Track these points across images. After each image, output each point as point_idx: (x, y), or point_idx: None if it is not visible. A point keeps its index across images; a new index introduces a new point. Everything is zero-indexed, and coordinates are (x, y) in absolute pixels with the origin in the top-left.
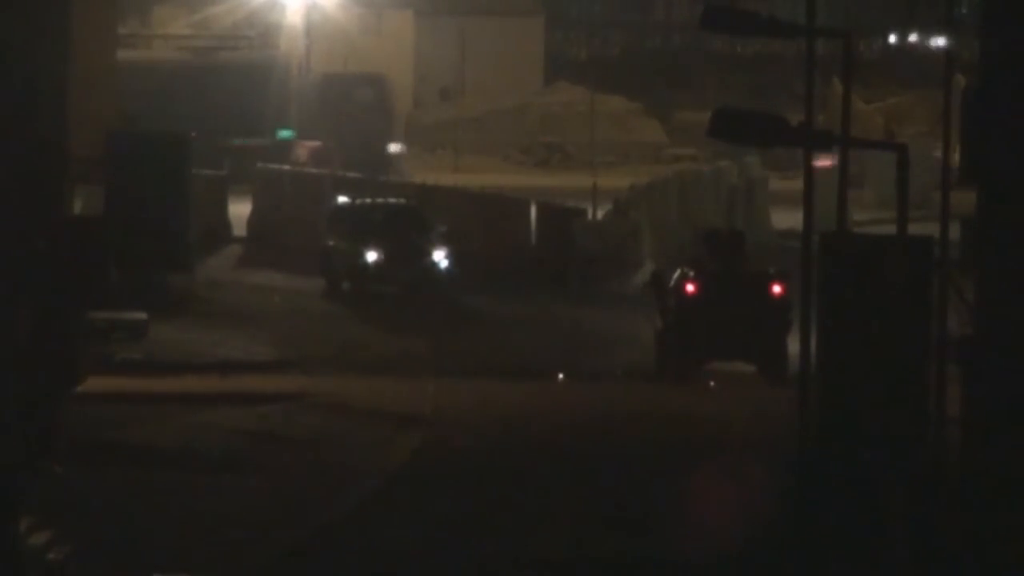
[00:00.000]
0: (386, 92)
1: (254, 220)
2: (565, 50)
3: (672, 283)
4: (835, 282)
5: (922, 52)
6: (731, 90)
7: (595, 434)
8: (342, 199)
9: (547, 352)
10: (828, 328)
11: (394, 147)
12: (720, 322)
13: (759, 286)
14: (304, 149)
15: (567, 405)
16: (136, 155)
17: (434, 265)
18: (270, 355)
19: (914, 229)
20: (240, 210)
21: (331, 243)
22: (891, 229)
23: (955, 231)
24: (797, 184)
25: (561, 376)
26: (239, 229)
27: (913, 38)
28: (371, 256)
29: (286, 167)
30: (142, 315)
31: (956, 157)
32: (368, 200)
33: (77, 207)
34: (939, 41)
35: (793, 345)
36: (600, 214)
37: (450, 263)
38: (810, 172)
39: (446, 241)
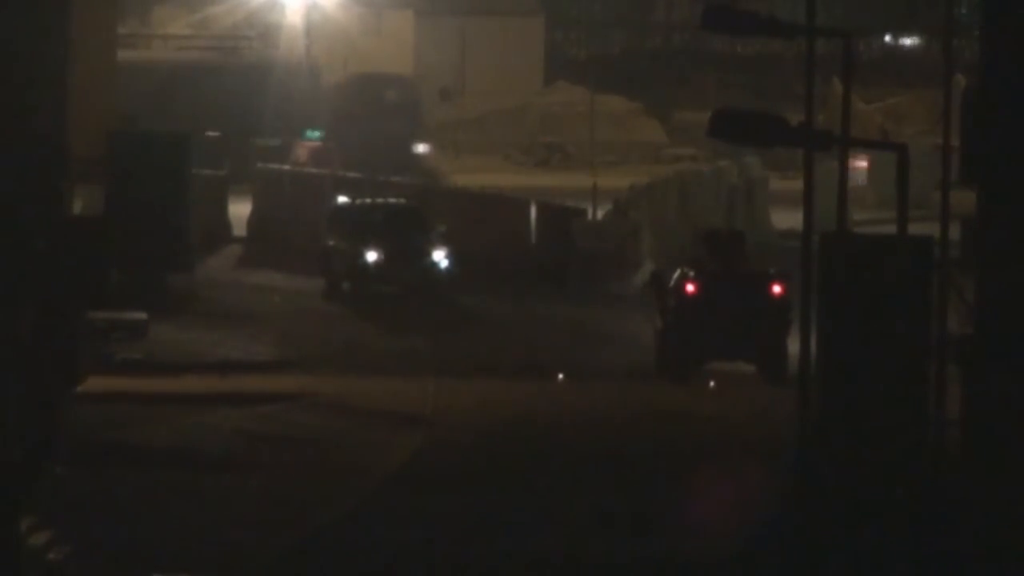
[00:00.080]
0: (413, 93)
1: (254, 220)
2: (565, 50)
3: (672, 283)
4: (835, 282)
5: (922, 52)
6: (731, 90)
7: (595, 434)
8: (342, 199)
9: (547, 352)
10: (828, 328)
11: (421, 147)
12: (720, 322)
13: (759, 286)
14: (304, 149)
15: (567, 405)
16: (136, 155)
17: (434, 265)
18: (270, 355)
19: (914, 229)
20: (240, 210)
21: (331, 243)
22: (891, 229)
23: (955, 231)
24: (797, 184)
25: (561, 376)
26: (239, 229)
27: (911, 39)
28: (371, 256)
29: (286, 167)
30: (142, 315)
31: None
32: (368, 200)
33: (77, 207)
34: (907, 41)
35: (793, 345)
36: (600, 214)
37: (450, 263)
38: (810, 172)
39: (446, 241)
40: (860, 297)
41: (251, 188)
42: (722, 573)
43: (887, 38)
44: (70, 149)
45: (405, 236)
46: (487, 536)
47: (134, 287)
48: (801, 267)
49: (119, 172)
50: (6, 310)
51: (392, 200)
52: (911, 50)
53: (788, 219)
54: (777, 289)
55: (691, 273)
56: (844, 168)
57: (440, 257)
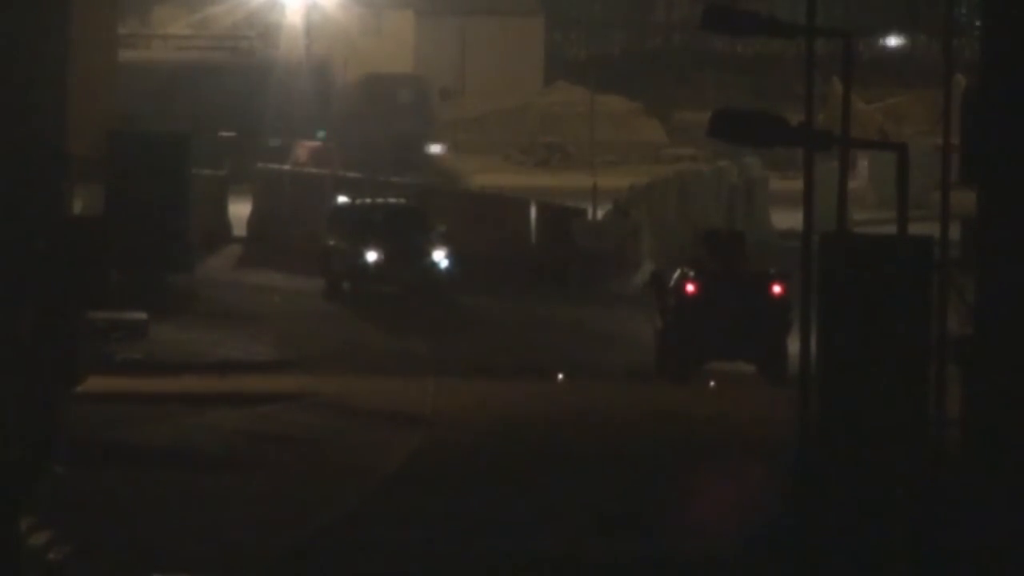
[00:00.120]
0: (426, 93)
1: (254, 220)
2: (565, 50)
3: (672, 283)
4: (835, 282)
5: (922, 52)
6: (731, 90)
7: (595, 434)
8: (342, 199)
9: (547, 352)
10: (828, 328)
11: (435, 147)
12: (720, 322)
13: (759, 286)
14: (304, 149)
15: (567, 405)
16: (136, 155)
17: (434, 265)
18: (270, 355)
19: (914, 229)
20: (240, 210)
21: (331, 243)
22: (891, 229)
23: (955, 231)
24: (797, 184)
25: (561, 376)
26: (239, 229)
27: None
28: (371, 256)
29: (286, 167)
30: (142, 315)
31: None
32: (368, 200)
33: (77, 207)
34: (895, 41)
35: (793, 345)
36: (600, 214)
37: (450, 263)
38: (810, 172)
39: (446, 241)
40: (860, 297)
41: (251, 188)
42: (722, 573)
43: (891, 41)
44: (70, 149)
45: (405, 236)
46: (487, 536)
47: (134, 287)
48: (801, 267)
49: (119, 172)
50: (6, 310)
51: (392, 200)
52: (911, 50)
53: (788, 219)
54: (777, 289)
55: (691, 273)
56: (844, 168)
57: (440, 257)
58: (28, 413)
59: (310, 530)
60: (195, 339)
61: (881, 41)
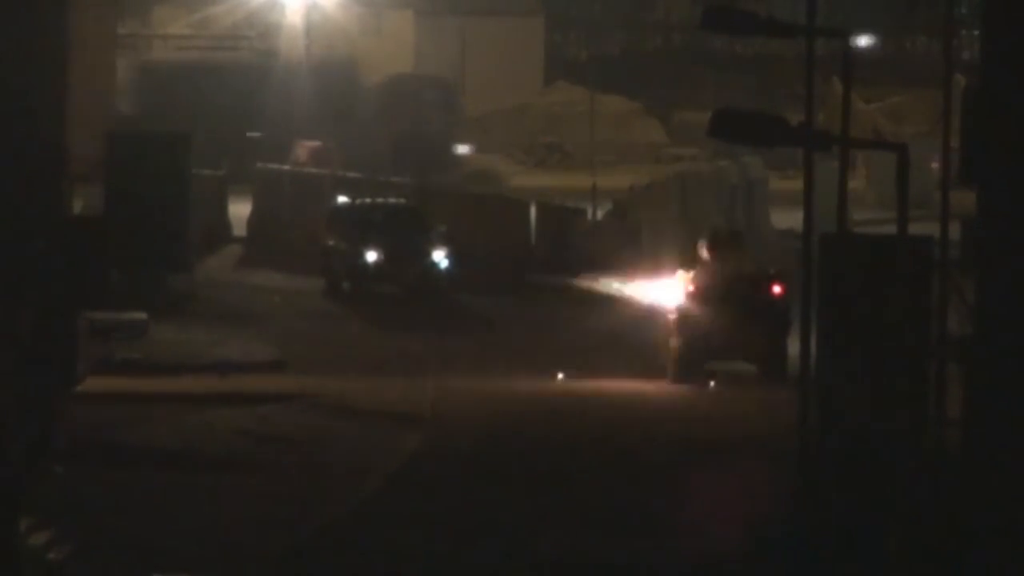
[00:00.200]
0: (452, 94)
1: (254, 220)
2: (565, 50)
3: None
4: (835, 282)
5: (922, 52)
6: (731, 90)
7: (595, 434)
8: (342, 199)
9: (547, 352)
10: (828, 328)
11: (461, 148)
12: (720, 322)
13: (759, 286)
14: (304, 149)
15: (567, 405)
16: (136, 155)
17: (434, 265)
18: (270, 355)
19: (914, 229)
20: (240, 210)
21: (331, 243)
22: (891, 229)
23: (955, 231)
24: (797, 184)
25: (561, 376)
26: (239, 229)
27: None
28: (371, 256)
29: (286, 167)
30: (142, 315)
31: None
32: (368, 200)
33: (77, 207)
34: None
35: (793, 345)
36: (600, 214)
37: (450, 263)
38: (810, 172)
39: (446, 241)
40: (860, 297)
41: (251, 188)
42: (722, 573)
43: (861, 41)
44: (70, 149)
45: (405, 236)
46: (487, 537)
47: (134, 287)
48: (801, 267)
49: (119, 172)
50: (6, 310)
51: (392, 200)
52: (911, 50)
53: (788, 219)
54: (777, 289)
55: (691, 273)
56: (844, 168)
57: (440, 257)
58: (28, 413)
59: (310, 530)
60: (195, 339)
61: (882, 41)
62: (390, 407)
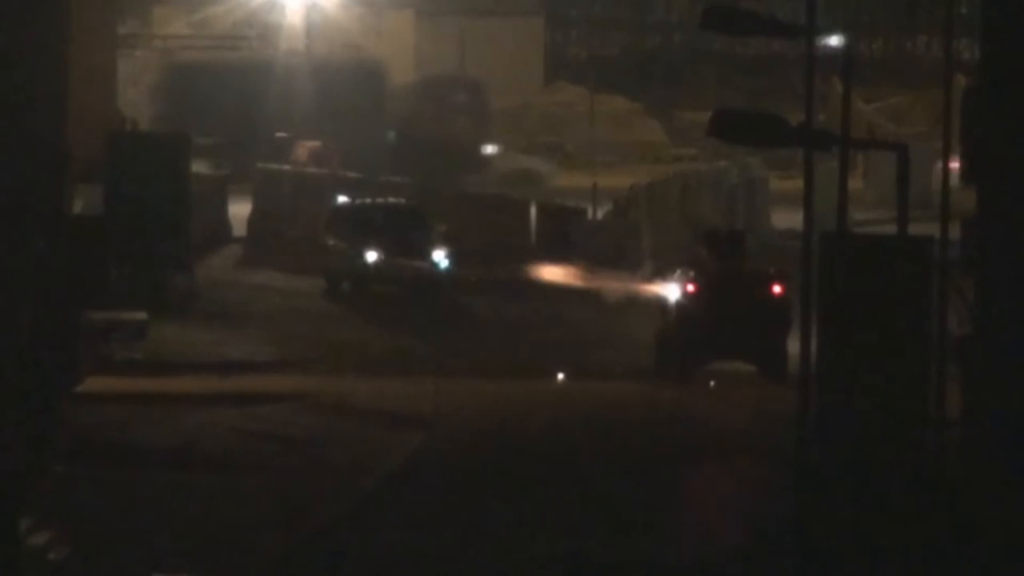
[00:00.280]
0: (481, 96)
1: (254, 220)
2: (565, 50)
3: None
4: (835, 282)
5: (922, 52)
6: (731, 90)
7: (595, 434)
8: (342, 199)
9: (547, 352)
10: (828, 328)
11: (490, 149)
12: (720, 322)
13: (759, 286)
14: (304, 149)
15: (567, 405)
16: (136, 155)
17: (434, 265)
18: (270, 355)
19: (914, 229)
20: (240, 210)
21: (331, 243)
22: (891, 229)
23: (955, 231)
24: (797, 184)
25: (561, 376)
26: (239, 229)
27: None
28: (371, 256)
29: (286, 167)
30: (142, 315)
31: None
32: (368, 200)
33: (77, 207)
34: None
35: (793, 345)
36: (600, 214)
37: (450, 263)
38: (810, 172)
39: (446, 241)
40: (860, 297)
41: (251, 188)
42: (722, 573)
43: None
44: (70, 149)
45: (405, 236)
46: (487, 536)
47: (134, 287)
48: (801, 267)
49: (119, 172)
50: (6, 310)
51: (392, 200)
52: (911, 50)
53: (788, 219)
54: (777, 289)
55: (691, 273)
56: (844, 168)
57: (440, 257)
58: (28, 413)
59: (309, 530)
60: (195, 339)
61: (882, 41)
62: (390, 407)
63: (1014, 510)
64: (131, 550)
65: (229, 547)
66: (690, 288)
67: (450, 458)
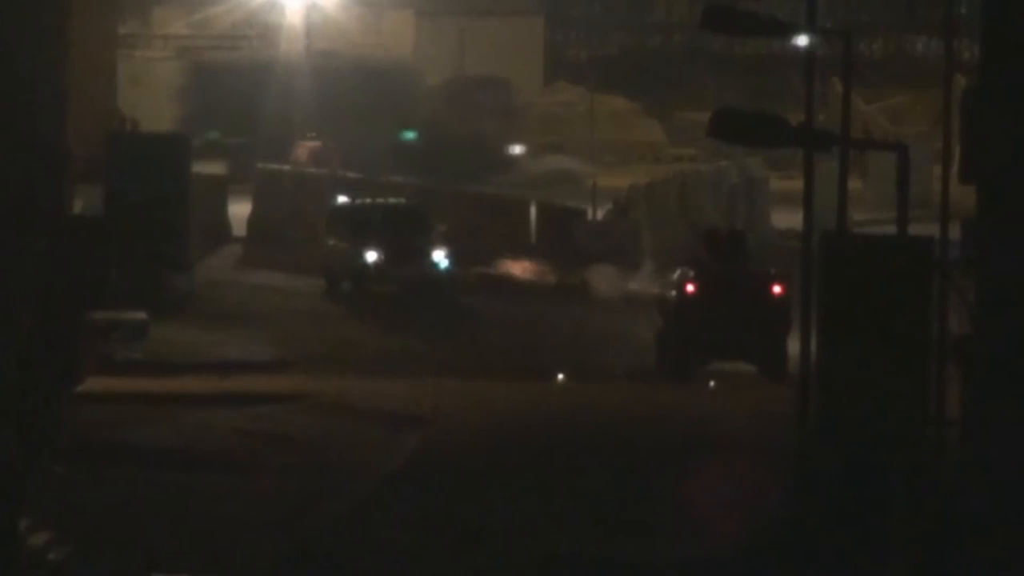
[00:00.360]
0: (508, 95)
1: (254, 220)
2: (565, 50)
3: (672, 283)
4: (835, 282)
5: (922, 52)
6: (731, 90)
7: (594, 434)
8: (342, 199)
9: (547, 352)
10: (828, 328)
11: (516, 148)
12: (720, 322)
13: (759, 286)
14: (304, 149)
15: (567, 405)
16: (136, 155)
17: (434, 265)
18: (270, 355)
19: (914, 229)
20: (240, 210)
21: (331, 243)
22: (891, 229)
23: (955, 231)
24: (797, 184)
25: (561, 376)
26: (239, 229)
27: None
28: (371, 256)
29: (286, 167)
30: (142, 315)
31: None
32: (368, 200)
33: (77, 207)
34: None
35: (793, 345)
36: (600, 214)
37: (450, 263)
38: (810, 172)
39: (446, 241)
40: (860, 297)
41: (251, 188)
42: (722, 573)
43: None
44: (70, 149)
45: (405, 236)
46: (486, 536)
47: (134, 287)
48: (801, 267)
49: (119, 172)
50: (6, 310)
51: (392, 200)
52: (911, 50)
53: (788, 219)
54: (777, 289)
55: (691, 273)
56: (844, 168)
57: (440, 257)
58: (28, 413)
59: (309, 530)
60: (195, 339)
61: (882, 41)
62: (390, 407)
63: (1013, 510)
64: (131, 550)
65: (229, 547)
66: (690, 288)
67: (449, 458)
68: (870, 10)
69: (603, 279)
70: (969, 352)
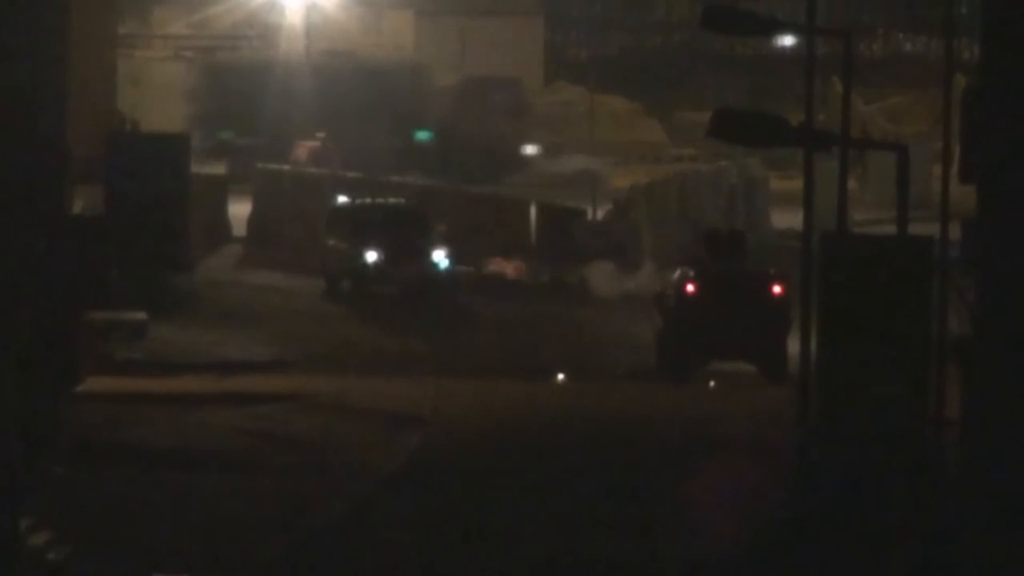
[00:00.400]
0: (520, 95)
1: (254, 220)
2: (565, 50)
3: (672, 283)
4: (835, 282)
5: (922, 52)
6: (731, 90)
7: (594, 434)
8: (342, 199)
9: (547, 352)
10: (828, 328)
11: (530, 149)
12: (720, 322)
13: (759, 286)
14: (304, 149)
15: (566, 405)
16: (136, 155)
17: (434, 265)
18: (270, 355)
19: (914, 229)
20: (240, 210)
21: (331, 243)
22: (891, 229)
23: (955, 231)
24: (797, 184)
25: (561, 376)
26: (239, 229)
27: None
28: (371, 256)
29: (286, 167)
30: (142, 315)
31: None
32: (368, 200)
33: (77, 207)
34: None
35: (793, 345)
36: (600, 214)
37: (450, 263)
38: (810, 172)
39: (446, 241)
40: (860, 297)
41: (251, 188)
42: (722, 573)
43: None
44: (70, 149)
45: (405, 236)
46: (486, 536)
47: (134, 287)
48: (801, 267)
49: (119, 172)
50: (6, 310)
51: (392, 200)
52: (911, 50)
53: (788, 219)
54: (777, 289)
55: (691, 273)
56: (844, 168)
57: (440, 257)
58: (28, 413)
59: (309, 530)
60: (195, 339)
61: (882, 41)
62: (390, 407)
63: (1013, 510)
64: (131, 550)
65: (229, 547)
66: (690, 288)
67: (449, 458)
68: (870, 10)
69: (603, 279)
70: (969, 352)
